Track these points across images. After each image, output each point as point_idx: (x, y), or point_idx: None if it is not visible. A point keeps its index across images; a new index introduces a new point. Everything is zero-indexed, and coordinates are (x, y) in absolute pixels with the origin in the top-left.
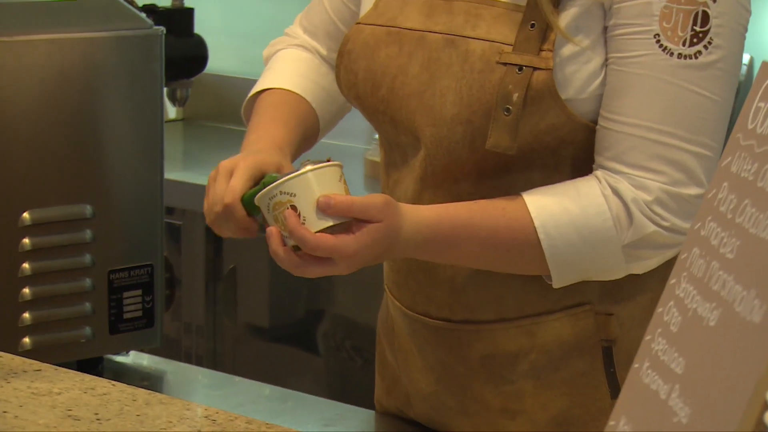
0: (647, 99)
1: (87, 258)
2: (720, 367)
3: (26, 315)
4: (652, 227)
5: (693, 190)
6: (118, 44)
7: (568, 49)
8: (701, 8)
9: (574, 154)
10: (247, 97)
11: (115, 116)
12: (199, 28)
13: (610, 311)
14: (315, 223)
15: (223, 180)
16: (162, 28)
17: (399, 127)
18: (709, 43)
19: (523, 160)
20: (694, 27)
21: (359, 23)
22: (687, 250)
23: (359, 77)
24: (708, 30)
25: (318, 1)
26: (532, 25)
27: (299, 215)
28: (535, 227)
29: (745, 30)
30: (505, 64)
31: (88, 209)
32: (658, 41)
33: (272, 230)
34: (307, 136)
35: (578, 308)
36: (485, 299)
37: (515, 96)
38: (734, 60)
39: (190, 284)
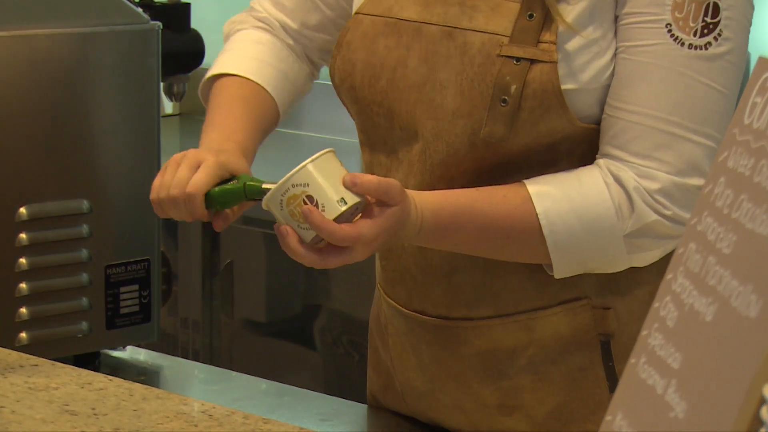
0: (657, 88)
1: (84, 253)
2: (717, 362)
3: (23, 310)
4: (654, 216)
5: (697, 181)
6: (115, 39)
7: (577, 41)
8: (712, 0)
9: (570, 148)
10: (204, 78)
11: (112, 111)
12: (195, 23)
13: (608, 305)
14: (334, 208)
15: (188, 168)
16: (159, 23)
17: (395, 121)
18: (719, 34)
19: (520, 158)
20: (705, 18)
21: (358, 13)
22: (683, 245)
23: (357, 68)
24: (718, 22)
25: None
26: (530, 16)
27: (317, 204)
28: (536, 214)
29: (750, 24)
30: (505, 56)
31: (85, 204)
32: (669, 31)
33: (287, 229)
34: (267, 133)
35: (576, 302)
36: (482, 295)
37: (513, 88)
38: (741, 53)
39: (187, 279)
